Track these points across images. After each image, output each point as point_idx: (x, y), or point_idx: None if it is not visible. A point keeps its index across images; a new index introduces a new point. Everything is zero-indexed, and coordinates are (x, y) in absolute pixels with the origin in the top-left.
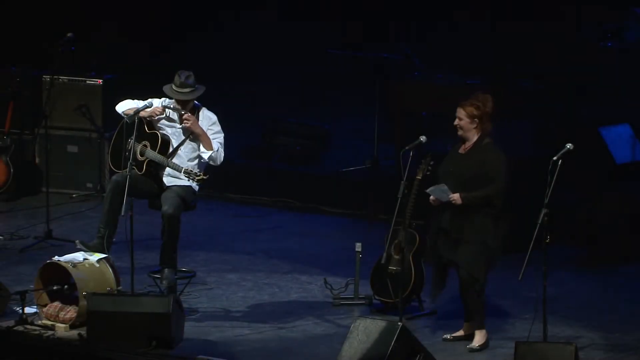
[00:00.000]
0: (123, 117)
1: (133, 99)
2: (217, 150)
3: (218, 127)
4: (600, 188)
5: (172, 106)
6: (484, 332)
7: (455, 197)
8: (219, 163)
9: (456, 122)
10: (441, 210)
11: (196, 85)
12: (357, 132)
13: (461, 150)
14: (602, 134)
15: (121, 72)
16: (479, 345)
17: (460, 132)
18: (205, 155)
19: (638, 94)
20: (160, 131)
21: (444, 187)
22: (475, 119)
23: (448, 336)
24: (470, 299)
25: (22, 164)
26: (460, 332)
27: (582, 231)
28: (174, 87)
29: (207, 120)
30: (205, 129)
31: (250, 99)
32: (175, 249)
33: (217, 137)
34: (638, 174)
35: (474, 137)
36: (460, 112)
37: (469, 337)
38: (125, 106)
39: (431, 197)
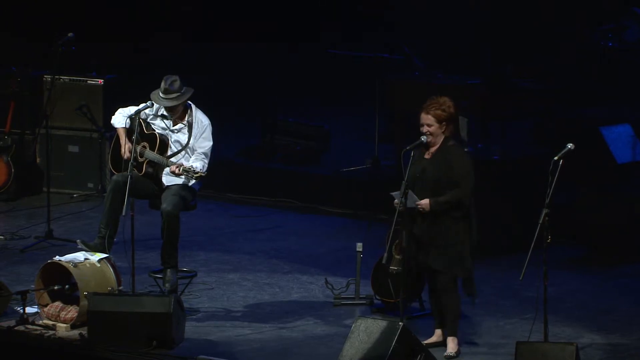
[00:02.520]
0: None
1: (126, 106)
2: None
3: (207, 134)
4: (600, 188)
5: (162, 112)
6: (457, 339)
7: (424, 203)
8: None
9: (425, 129)
10: (411, 216)
11: (183, 89)
12: (357, 132)
13: (427, 155)
14: (603, 134)
15: (122, 72)
16: (455, 352)
17: (429, 139)
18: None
19: (638, 94)
20: (157, 132)
21: (411, 194)
22: (443, 123)
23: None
24: (450, 304)
25: (23, 164)
26: (434, 339)
27: (582, 231)
28: (160, 93)
29: (199, 124)
30: (194, 133)
31: (250, 99)
32: (175, 248)
33: (203, 147)
34: (638, 174)
35: (439, 140)
36: (428, 119)
37: (444, 343)
38: (119, 122)
39: (395, 201)
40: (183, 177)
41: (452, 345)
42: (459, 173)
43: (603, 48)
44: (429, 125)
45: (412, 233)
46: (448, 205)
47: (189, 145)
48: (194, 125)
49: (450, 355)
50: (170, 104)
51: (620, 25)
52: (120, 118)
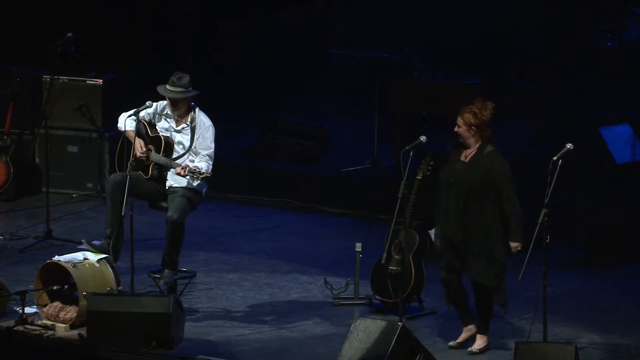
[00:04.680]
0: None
1: (128, 110)
2: (207, 170)
3: (210, 135)
4: (600, 188)
5: (165, 112)
6: (486, 337)
7: (516, 245)
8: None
9: (455, 129)
10: (445, 221)
11: (189, 87)
12: (357, 132)
13: (463, 158)
14: (602, 134)
15: (121, 73)
16: (479, 349)
17: (460, 139)
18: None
19: (638, 94)
20: (162, 134)
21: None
22: (473, 127)
23: (453, 343)
24: (484, 307)
25: (23, 164)
26: (462, 337)
27: (582, 231)
28: (167, 86)
29: (201, 126)
30: (197, 134)
31: (250, 99)
32: (178, 252)
33: (206, 150)
34: (638, 174)
35: (475, 144)
36: (459, 120)
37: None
38: (129, 125)
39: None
40: (188, 177)
41: (479, 342)
42: (500, 180)
43: (603, 48)
44: (458, 126)
45: (448, 240)
46: (521, 226)
47: (192, 147)
48: (197, 127)
49: (472, 351)
50: (174, 95)
51: (620, 25)
52: (129, 122)
